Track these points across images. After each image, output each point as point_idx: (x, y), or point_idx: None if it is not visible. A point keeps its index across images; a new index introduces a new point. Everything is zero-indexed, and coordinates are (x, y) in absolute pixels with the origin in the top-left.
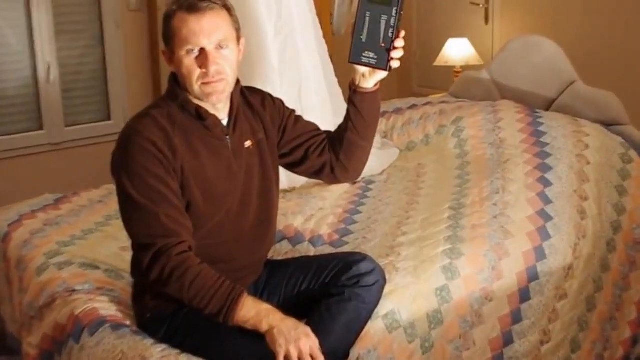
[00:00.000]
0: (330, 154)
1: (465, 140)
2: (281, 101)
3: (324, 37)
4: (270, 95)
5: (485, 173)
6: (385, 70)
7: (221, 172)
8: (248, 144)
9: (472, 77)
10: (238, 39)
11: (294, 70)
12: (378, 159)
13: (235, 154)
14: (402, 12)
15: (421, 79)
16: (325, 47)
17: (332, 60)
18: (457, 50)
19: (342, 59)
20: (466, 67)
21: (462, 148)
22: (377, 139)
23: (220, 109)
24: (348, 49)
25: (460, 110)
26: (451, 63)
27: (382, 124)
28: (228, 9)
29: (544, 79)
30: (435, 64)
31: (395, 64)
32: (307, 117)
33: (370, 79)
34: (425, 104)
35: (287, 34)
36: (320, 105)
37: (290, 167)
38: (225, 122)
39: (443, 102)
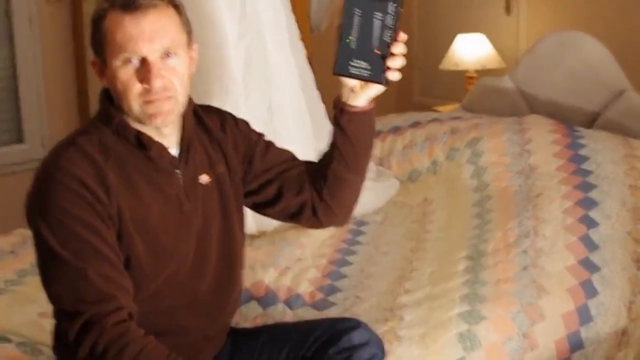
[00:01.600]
0: (311, 191)
1: (484, 168)
2: (246, 123)
3: (302, 37)
4: (233, 116)
5: (511, 211)
6: (382, 83)
7: (170, 216)
8: (204, 179)
9: (491, 86)
10: (189, 44)
11: (262, 82)
12: (373, 194)
13: (188, 192)
14: (401, 8)
15: (425, 87)
16: (303, 52)
17: (311, 66)
18: (469, 50)
19: (325, 65)
20: (483, 72)
21: (481, 178)
22: (372, 168)
23: (168, 135)
24: (332, 49)
25: (478, 129)
26: (463, 66)
27: (376, 147)
28: (176, 6)
29: (584, 88)
30: (442, 67)
31: (394, 76)
32: (281, 143)
33: (361, 94)
34: (432, 121)
35: (254, 36)
36: (297, 127)
37: (260, 209)
38: (174, 151)
39: (455, 118)
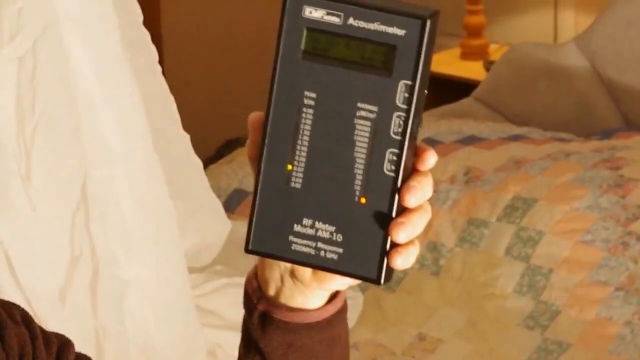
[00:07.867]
0: None
1: (545, 273)
2: (26, 319)
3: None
4: None
5: None
6: (375, 281)
7: None
8: None
9: (537, 59)
10: None
11: (62, 136)
12: None
13: None
14: (426, 90)
15: None
16: (154, 65)
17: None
18: None
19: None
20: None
21: (539, 296)
22: None
23: None
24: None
25: (522, 174)
26: None
27: None
28: None
29: None
30: None
31: (405, 261)
32: (117, 278)
33: (315, 284)
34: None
35: (40, 38)
36: (147, 229)
37: None
38: None
39: (470, 140)
